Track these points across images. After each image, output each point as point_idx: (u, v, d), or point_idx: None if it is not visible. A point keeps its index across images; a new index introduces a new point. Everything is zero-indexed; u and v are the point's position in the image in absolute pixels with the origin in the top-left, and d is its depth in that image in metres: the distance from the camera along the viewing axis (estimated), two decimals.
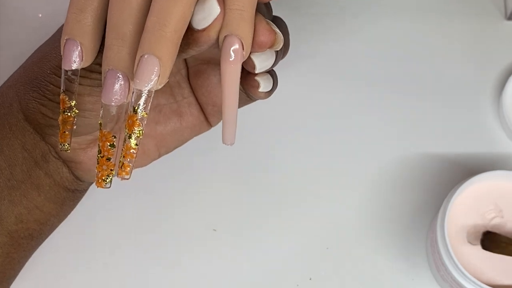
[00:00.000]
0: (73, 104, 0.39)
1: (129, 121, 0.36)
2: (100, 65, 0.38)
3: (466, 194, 0.51)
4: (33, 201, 0.44)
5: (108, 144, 0.37)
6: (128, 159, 0.37)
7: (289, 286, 0.55)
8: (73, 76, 0.38)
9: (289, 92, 0.57)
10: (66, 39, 0.37)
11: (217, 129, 0.48)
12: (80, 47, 0.37)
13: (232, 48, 0.36)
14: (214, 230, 0.56)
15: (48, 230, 0.47)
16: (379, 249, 0.55)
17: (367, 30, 0.60)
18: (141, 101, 0.36)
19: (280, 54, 0.40)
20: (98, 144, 0.38)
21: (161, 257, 0.55)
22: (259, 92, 0.41)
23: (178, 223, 0.56)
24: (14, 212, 0.44)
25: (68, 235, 0.54)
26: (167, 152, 0.47)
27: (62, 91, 0.38)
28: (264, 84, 0.41)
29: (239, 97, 0.38)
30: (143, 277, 0.55)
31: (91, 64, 0.38)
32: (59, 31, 0.44)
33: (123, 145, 0.36)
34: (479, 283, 0.47)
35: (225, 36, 0.36)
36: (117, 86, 0.36)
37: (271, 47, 0.38)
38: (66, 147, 0.39)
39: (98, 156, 0.38)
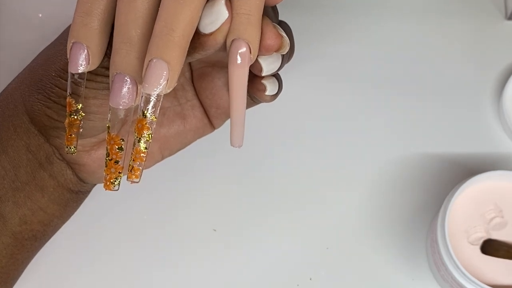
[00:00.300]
0: (79, 107, 0.39)
1: (139, 125, 0.36)
2: (106, 68, 0.38)
3: (466, 194, 0.51)
4: (37, 202, 0.44)
5: (116, 147, 0.38)
6: (138, 163, 0.37)
7: (289, 286, 0.55)
8: (79, 79, 0.38)
9: (292, 94, 0.56)
10: (73, 43, 0.37)
11: (219, 131, 0.48)
12: (87, 50, 0.37)
13: (239, 52, 0.36)
14: (214, 230, 0.56)
15: (52, 231, 0.47)
16: (379, 249, 0.55)
17: (365, 32, 0.60)
18: (150, 105, 0.36)
19: (286, 57, 0.41)
20: (106, 147, 0.38)
21: (161, 257, 0.55)
22: (265, 95, 0.41)
23: (179, 224, 0.56)
24: (18, 213, 0.44)
25: (71, 236, 0.54)
26: (170, 155, 0.47)
27: (68, 94, 0.38)
28: (270, 87, 0.41)
29: None
30: (144, 277, 0.55)
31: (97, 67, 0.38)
32: (64, 33, 0.44)
33: (133, 149, 0.37)
34: (479, 283, 0.47)
35: (233, 40, 0.36)
36: (124, 90, 0.36)
37: (277, 50, 0.38)
38: (72, 150, 0.39)
39: (106, 159, 0.38)
